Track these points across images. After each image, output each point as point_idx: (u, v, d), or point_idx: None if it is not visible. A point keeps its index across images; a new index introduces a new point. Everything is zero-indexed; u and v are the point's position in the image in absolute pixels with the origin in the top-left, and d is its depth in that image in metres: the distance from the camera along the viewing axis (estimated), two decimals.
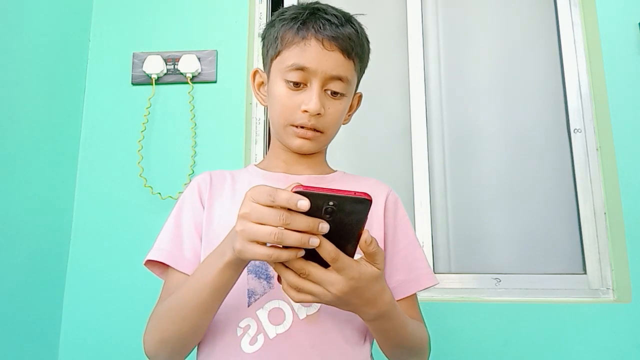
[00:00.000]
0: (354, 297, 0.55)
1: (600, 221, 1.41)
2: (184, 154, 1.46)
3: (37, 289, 1.31)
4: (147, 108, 1.49)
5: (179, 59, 1.50)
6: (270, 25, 0.79)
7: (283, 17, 0.76)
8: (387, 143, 1.58)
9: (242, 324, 0.67)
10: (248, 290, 0.68)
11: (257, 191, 0.51)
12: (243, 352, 0.66)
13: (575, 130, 1.49)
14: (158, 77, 1.51)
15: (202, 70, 1.50)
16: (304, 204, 0.47)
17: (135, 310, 1.38)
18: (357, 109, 0.86)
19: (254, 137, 1.54)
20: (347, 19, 0.74)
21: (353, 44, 0.73)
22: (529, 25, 1.62)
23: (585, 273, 1.40)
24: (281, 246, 0.50)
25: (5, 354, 1.18)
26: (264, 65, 0.81)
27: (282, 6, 1.65)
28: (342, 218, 0.50)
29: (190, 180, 0.82)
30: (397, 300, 0.74)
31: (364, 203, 0.49)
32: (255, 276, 0.69)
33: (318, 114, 0.72)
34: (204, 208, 0.76)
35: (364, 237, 0.52)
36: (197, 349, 0.73)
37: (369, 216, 0.58)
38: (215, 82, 1.51)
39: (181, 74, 1.50)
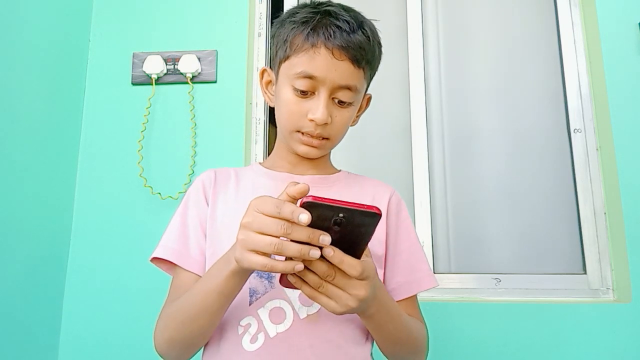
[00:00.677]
0: (373, 294, 0.57)
1: (600, 221, 1.41)
2: (184, 154, 1.46)
3: (37, 289, 1.31)
4: (147, 108, 1.49)
5: (179, 59, 1.50)
6: (280, 24, 0.77)
7: (294, 19, 0.74)
8: (387, 143, 1.58)
9: (243, 322, 0.68)
10: (249, 289, 0.69)
11: (262, 201, 0.51)
12: (244, 350, 0.66)
13: (575, 130, 1.49)
14: (158, 77, 1.51)
15: (202, 70, 1.50)
16: (304, 218, 0.47)
17: (135, 310, 1.38)
18: (366, 110, 0.86)
19: (254, 137, 1.54)
20: (359, 25, 0.72)
21: (364, 52, 0.71)
22: (529, 25, 1.62)
23: (585, 273, 1.40)
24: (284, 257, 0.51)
25: (5, 354, 1.18)
26: (272, 65, 0.80)
27: (283, 7, 1.65)
28: (351, 229, 0.50)
29: (195, 178, 0.82)
30: (398, 301, 0.75)
31: (373, 217, 0.49)
32: (257, 275, 0.69)
33: (325, 123, 0.71)
34: (208, 206, 0.76)
35: None
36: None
37: None
38: (215, 82, 1.51)
39: (181, 74, 1.50)
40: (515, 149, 1.54)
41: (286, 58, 0.73)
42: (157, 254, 0.75)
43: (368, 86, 0.81)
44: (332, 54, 0.69)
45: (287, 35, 0.73)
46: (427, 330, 0.77)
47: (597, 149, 1.45)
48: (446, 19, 1.66)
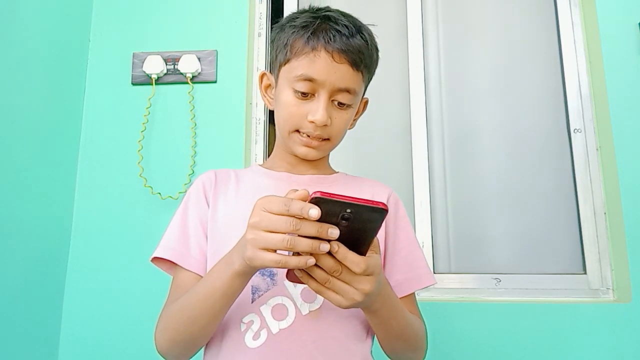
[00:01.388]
0: (379, 289, 0.58)
1: (600, 221, 1.41)
2: (184, 154, 1.46)
3: (37, 289, 1.31)
4: (147, 108, 1.49)
5: (179, 59, 1.50)
6: (280, 29, 0.78)
7: (294, 23, 0.75)
8: (387, 143, 1.58)
9: (246, 319, 0.69)
10: (252, 286, 0.70)
11: (268, 200, 0.53)
12: (247, 347, 0.67)
13: (575, 130, 1.49)
14: (158, 77, 1.51)
15: (202, 70, 1.50)
16: (314, 213, 0.49)
17: (135, 310, 1.38)
18: (363, 114, 0.87)
19: (254, 137, 1.54)
20: (357, 30, 0.74)
21: (362, 56, 0.73)
22: (529, 25, 1.62)
23: (585, 273, 1.40)
24: (291, 253, 0.53)
25: (5, 354, 1.18)
26: (271, 69, 0.81)
27: (283, 7, 1.65)
28: (358, 225, 0.51)
29: (195, 178, 0.83)
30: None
31: (380, 212, 0.50)
32: (259, 272, 0.70)
33: (325, 125, 0.73)
34: (209, 206, 0.77)
35: None
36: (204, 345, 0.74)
37: None
38: (215, 82, 1.51)
39: (181, 74, 1.50)
40: (515, 149, 1.53)
41: (286, 61, 0.74)
42: (157, 253, 0.75)
43: (365, 90, 0.82)
44: (332, 57, 0.71)
45: (287, 39, 0.75)
46: (426, 328, 0.78)
47: (597, 149, 1.45)
48: (446, 19, 1.66)
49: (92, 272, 1.42)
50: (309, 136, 0.75)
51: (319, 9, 0.76)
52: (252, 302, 0.69)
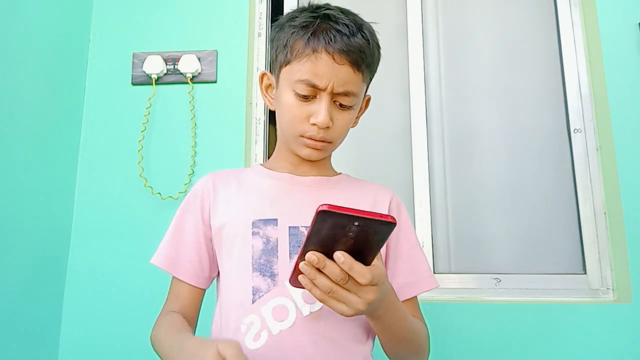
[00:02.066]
0: (379, 301, 0.58)
1: (600, 221, 1.41)
2: (184, 154, 1.46)
3: (37, 289, 1.31)
4: (147, 108, 1.49)
5: (179, 59, 1.50)
6: (279, 28, 0.77)
7: (293, 23, 0.74)
8: (387, 143, 1.58)
9: (246, 320, 0.69)
10: (252, 287, 0.70)
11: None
12: (247, 348, 0.67)
13: (575, 130, 1.49)
14: (158, 77, 1.51)
15: (202, 70, 1.50)
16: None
17: (135, 309, 1.38)
18: (365, 112, 0.87)
19: (254, 137, 1.54)
20: (358, 28, 0.73)
21: (364, 56, 0.72)
22: (529, 25, 1.62)
23: (585, 273, 1.40)
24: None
25: (5, 354, 1.18)
26: (272, 69, 0.80)
27: (283, 7, 1.65)
28: (365, 237, 0.52)
29: (195, 182, 0.83)
30: None
31: (388, 225, 0.51)
32: (260, 274, 0.71)
33: (327, 127, 0.72)
34: (209, 213, 0.78)
35: None
36: None
37: None
38: (215, 82, 1.51)
39: (181, 74, 1.50)
40: (515, 149, 1.53)
41: (287, 63, 0.74)
42: (153, 260, 0.78)
43: (367, 88, 0.81)
44: (333, 58, 0.70)
45: (287, 39, 0.74)
46: (428, 330, 0.78)
47: (597, 149, 1.45)
48: (446, 19, 1.66)
49: (92, 272, 1.42)
50: (312, 139, 0.74)
51: (319, 7, 0.75)
52: (252, 303, 0.69)
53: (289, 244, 0.72)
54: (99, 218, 1.45)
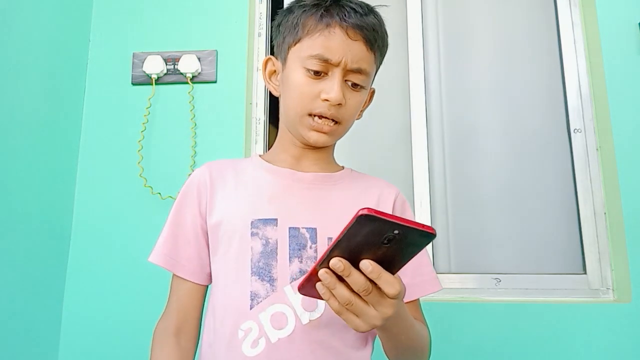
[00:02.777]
0: (395, 316, 0.55)
1: (600, 221, 1.41)
2: (184, 154, 1.46)
3: (37, 289, 1.31)
4: (147, 108, 1.49)
5: (179, 59, 1.50)
6: (287, 11, 0.75)
7: (303, 3, 0.73)
8: (387, 143, 1.58)
9: (244, 326, 0.67)
10: (251, 292, 0.68)
11: None
12: (244, 355, 0.66)
13: (575, 130, 1.49)
14: (158, 77, 1.51)
15: (202, 70, 1.50)
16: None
17: (135, 309, 1.38)
18: (369, 105, 0.84)
19: (254, 137, 1.54)
20: (370, 9, 0.72)
21: (376, 35, 0.71)
22: (529, 25, 1.62)
23: (585, 273, 1.40)
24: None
25: (5, 354, 1.18)
26: (277, 53, 0.77)
27: (283, 7, 1.65)
28: (401, 247, 0.49)
29: (189, 176, 0.81)
30: None
31: (428, 237, 0.48)
32: (259, 278, 0.68)
33: (339, 104, 0.69)
34: (206, 207, 0.75)
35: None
36: (200, 349, 0.73)
37: None
38: (215, 82, 1.51)
39: (181, 74, 1.50)
40: (515, 149, 1.53)
41: (297, 41, 0.71)
42: (151, 258, 0.75)
43: (374, 77, 0.79)
44: (347, 33, 0.68)
45: (297, 19, 0.72)
46: (430, 333, 0.77)
47: (597, 149, 1.45)
48: (446, 19, 1.66)
49: (92, 272, 1.42)
50: (321, 118, 0.70)
51: None
52: (250, 309, 0.67)
53: (289, 246, 0.69)
54: (99, 218, 1.45)
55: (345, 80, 0.71)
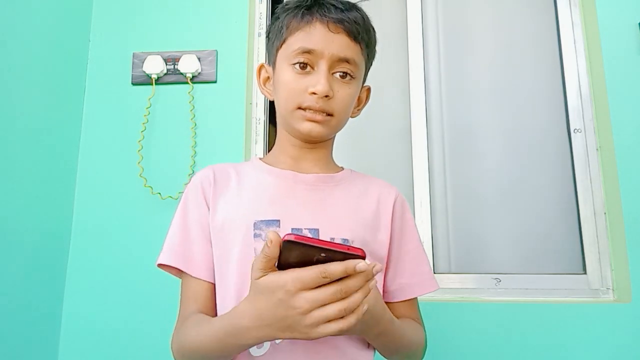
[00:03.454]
0: (364, 326, 0.59)
1: (600, 221, 1.41)
2: (184, 154, 1.46)
3: (37, 288, 1.31)
4: (147, 108, 1.49)
5: (179, 59, 1.50)
6: (274, 19, 0.78)
7: (286, 7, 0.75)
8: (387, 143, 1.58)
9: None
10: None
11: (297, 278, 0.50)
12: (250, 355, 0.66)
13: (575, 130, 1.49)
14: (158, 77, 1.51)
15: (202, 70, 1.50)
16: (363, 266, 0.49)
17: (135, 309, 1.38)
18: (366, 104, 0.85)
19: (254, 137, 1.54)
20: (352, 5, 0.73)
21: (359, 27, 0.72)
22: (529, 25, 1.62)
23: (585, 273, 1.40)
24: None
25: (5, 354, 1.18)
26: (269, 61, 0.80)
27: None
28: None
29: (192, 177, 0.80)
30: (399, 302, 0.77)
31: (357, 258, 0.50)
32: None
33: (326, 95, 0.70)
34: (208, 208, 0.75)
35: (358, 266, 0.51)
36: None
37: (377, 218, 0.68)
38: (215, 82, 1.51)
39: (181, 74, 1.50)
40: (515, 149, 1.53)
41: (283, 42, 0.73)
42: (162, 260, 0.74)
43: (367, 72, 0.80)
44: (328, 27, 0.70)
45: (281, 23, 0.74)
46: (424, 330, 0.78)
47: (597, 149, 1.45)
48: (446, 19, 1.66)
49: (92, 272, 1.42)
50: (311, 109, 0.71)
51: None
52: None
53: None
54: (99, 218, 1.45)
55: (333, 73, 0.72)
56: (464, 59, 1.62)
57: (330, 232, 0.71)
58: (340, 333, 0.52)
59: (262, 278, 0.52)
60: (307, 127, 0.72)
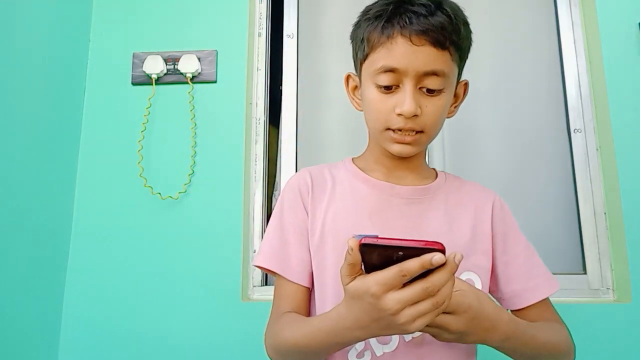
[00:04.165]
0: (474, 328, 0.58)
1: (600, 221, 1.41)
2: (184, 154, 1.46)
3: (37, 289, 1.31)
4: (147, 108, 1.49)
5: (179, 59, 1.50)
6: (356, 26, 0.76)
7: (367, 16, 0.72)
8: None
9: None
10: None
11: (382, 282, 0.50)
12: None
13: (575, 130, 1.49)
14: (158, 77, 1.51)
15: (202, 70, 1.50)
16: (439, 259, 0.48)
17: (135, 310, 1.38)
18: (464, 99, 0.83)
19: (254, 137, 1.54)
20: (437, 6, 0.68)
21: (446, 33, 0.67)
22: (529, 25, 1.62)
23: (585, 273, 1.40)
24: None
25: (5, 354, 1.18)
26: (355, 69, 0.78)
27: (283, 7, 1.65)
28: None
29: (289, 180, 0.80)
30: (524, 309, 0.75)
31: (436, 254, 0.50)
32: None
33: (415, 115, 0.68)
34: (307, 213, 0.75)
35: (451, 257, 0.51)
36: None
37: (476, 227, 0.72)
38: (215, 82, 1.51)
39: (181, 74, 1.50)
40: (515, 149, 1.53)
41: (365, 57, 0.71)
42: (259, 262, 0.75)
43: (461, 70, 0.77)
44: (410, 40, 0.66)
45: (363, 34, 0.72)
46: (568, 329, 0.77)
47: (597, 149, 1.45)
48: None
49: (92, 272, 1.42)
50: (400, 130, 0.70)
51: None
52: None
53: None
54: (99, 218, 1.45)
55: (420, 88, 0.69)
56: None
57: None
58: (431, 328, 0.55)
59: (350, 284, 0.53)
60: (396, 149, 0.72)
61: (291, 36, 1.62)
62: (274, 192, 1.60)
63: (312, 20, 1.65)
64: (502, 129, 1.55)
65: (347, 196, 0.76)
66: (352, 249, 0.51)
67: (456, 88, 0.77)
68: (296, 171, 1.40)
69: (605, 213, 1.41)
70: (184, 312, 1.36)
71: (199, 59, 1.50)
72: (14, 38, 1.24)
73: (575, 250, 1.44)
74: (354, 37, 0.76)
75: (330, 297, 0.70)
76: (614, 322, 1.29)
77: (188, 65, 1.49)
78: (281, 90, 1.60)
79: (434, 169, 0.84)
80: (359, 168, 0.79)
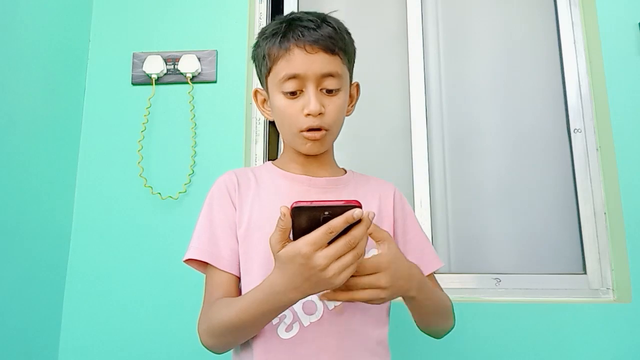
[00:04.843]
0: (398, 280, 0.67)
1: (600, 221, 1.41)
2: (184, 154, 1.46)
3: (37, 289, 1.31)
4: (147, 108, 1.49)
5: (179, 59, 1.50)
6: (256, 46, 0.84)
7: (264, 35, 0.82)
8: (387, 142, 1.58)
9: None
10: None
11: (310, 241, 0.57)
12: (279, 337, 0.74)
13: (575, 130, 1.49)
14: (158, 77, 1.51)
15: (202, 70, 1.50)
16: (359, 213, 0.57)
17: (135, 309, 1.38)
18: (358, 99, 0.91)
19: (254, 137, 1.54)
20: (322, 20, 0.79)
21: (334, 41, 0.78)
22: (529, 25, 1.62)
23: (585, 273, 1.40)
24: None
25: (5, 354, 1.18)
26: (261, 84, 0.87)
27: (283, 7, 1.66)
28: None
29: (216, 180, 0.86)
30: None
31: (352, 209, 0.57)
32: None
33: (320, 113, 0.77)
34: (235, 209, 0.81)
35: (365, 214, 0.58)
36: None
37: (381, 211, 0.78)
38: (215, 82, 1.51)
39: (181, 74, 1.50)
40: (515, 149, 1.54)
41: (269, 71, 0.80)
42: (190, 255, 0.79)
43: (351, 74, 0.86)
44: (305, 50, 0.76)
45: (263, 51, 0.81)
46: (450, 299, 0.87)
47: (597, 149, 1.45)
48: (446, 20, 1.66)
49: (92, 272, 1.42)
50: (310, 131, 0.78)
51: (285, 16, 0.82)
52: None
53: None
54: (99, 218, 1.45)
55: (321, 89, 0.78)
56: (464, 59, 1.62)
57: None
58: (349, 276, 0.60)
59: (282, 251, 0.59)
60: (308, 147, 0.81)
61: None
62: None
63: None
64: (502, 129, 1.55)
65: (270, 190, 0.84)
66: (284, 215, 0.58)
67: (350, 89, 0.86)
68: None
69: (605, 213, 1.41)
70: (184, 312, 1.36)
71: (199, 59, 1.50)
72: (14, 38, 1.24)
73: (575, 250, 1.44)
74: (255, 56, 0.85)
75: (256, 281, 0.74)
76: (614, 322, 1.29)
77: (188, 65, 1.49)
78: None
79: (342, 168, 0.93)
80: (279, 167, 0.88)
